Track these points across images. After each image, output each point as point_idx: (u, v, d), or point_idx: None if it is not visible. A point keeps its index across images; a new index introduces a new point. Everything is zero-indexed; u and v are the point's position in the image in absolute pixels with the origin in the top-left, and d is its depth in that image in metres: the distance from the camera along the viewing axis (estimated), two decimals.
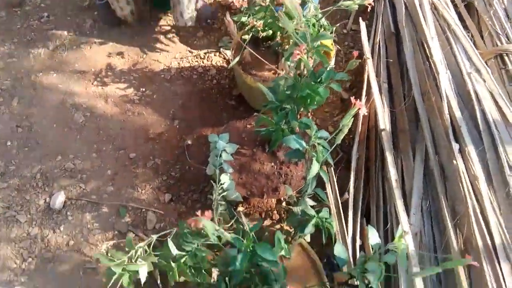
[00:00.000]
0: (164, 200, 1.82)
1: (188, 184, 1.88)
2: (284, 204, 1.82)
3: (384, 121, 1.78)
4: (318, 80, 1.28)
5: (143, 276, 1.03)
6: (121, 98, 2.13)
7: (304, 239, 1.53)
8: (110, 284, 1.02)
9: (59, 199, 1.73)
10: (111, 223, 1.73)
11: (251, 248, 1.14)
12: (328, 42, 1.85)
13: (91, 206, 1.76)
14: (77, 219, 1.73)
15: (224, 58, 2.36)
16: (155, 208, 1.78)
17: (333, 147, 1.17)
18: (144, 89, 2.18)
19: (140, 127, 2.02)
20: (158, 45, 2.38)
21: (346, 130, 1.10)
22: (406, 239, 1.39)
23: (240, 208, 1.75)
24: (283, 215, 1.80)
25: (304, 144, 1.21)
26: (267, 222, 1.73)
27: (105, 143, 1.94)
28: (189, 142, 1.98)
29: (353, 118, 1.12)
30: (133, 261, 1.03)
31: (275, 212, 1.80)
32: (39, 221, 1.70)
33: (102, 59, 2.28)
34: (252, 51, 1.79)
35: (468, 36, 2.02)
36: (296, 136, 1.22)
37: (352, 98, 1.12)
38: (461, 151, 1.62)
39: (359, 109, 1.07)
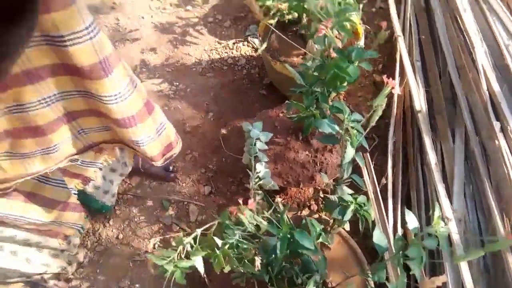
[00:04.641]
0: (204, 192, 1.88)
1: (226, 176, 1.93)
2: (321, 193, 1.84)
3: (419, 102, 1.75)
4: (347, 58, 1.23)
5: (201, 269, 1.09)
6: (157, 93, 2.20)
7: (344, 228, 1.54)
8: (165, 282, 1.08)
9: None
10: (156, 216, 1.81)
11: (288, 236, 1.17)
12: (355, 19, 1.75)
13: (137, 200, 1.85)
14: (124, 213, 1.82)
15: (253, 47, 2.38)
16: (196, 201, 1.85)
17: (367, 130, 1.16)
18: (177, 83, 2.24)
19: (177, 121, 2.08)
20: (188, 38, 2.42)
21: (380, 111, 1.09)
22: (448, 223, 1.37)
23: (278, 199, 1.78)
24: (321, 205, 1.81)
25: (337, 127, 1.22)
26: (305, 212, 1.75)
27: None
28: (224, 131, 2.03)
29: (387, 99, 1.09)
30: (182, 256, 1.09)
31: (313, 202, 1.82)
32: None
33: (136, 56, 2.35)
34: (279, 33, 1.78)
35: (504, 6, 1.92)
36: (328, 120, 1.22)
37: (385, 77, 1.08)
38: (503, 129, 1.56)
39: (392, 88, 1.04)
